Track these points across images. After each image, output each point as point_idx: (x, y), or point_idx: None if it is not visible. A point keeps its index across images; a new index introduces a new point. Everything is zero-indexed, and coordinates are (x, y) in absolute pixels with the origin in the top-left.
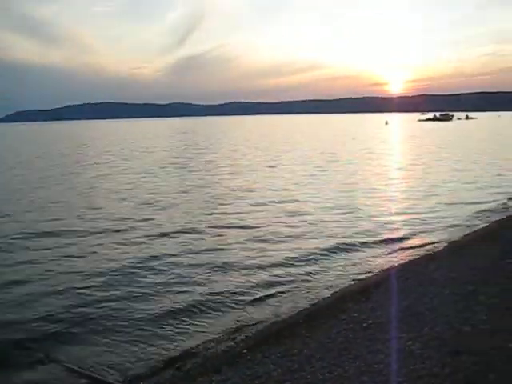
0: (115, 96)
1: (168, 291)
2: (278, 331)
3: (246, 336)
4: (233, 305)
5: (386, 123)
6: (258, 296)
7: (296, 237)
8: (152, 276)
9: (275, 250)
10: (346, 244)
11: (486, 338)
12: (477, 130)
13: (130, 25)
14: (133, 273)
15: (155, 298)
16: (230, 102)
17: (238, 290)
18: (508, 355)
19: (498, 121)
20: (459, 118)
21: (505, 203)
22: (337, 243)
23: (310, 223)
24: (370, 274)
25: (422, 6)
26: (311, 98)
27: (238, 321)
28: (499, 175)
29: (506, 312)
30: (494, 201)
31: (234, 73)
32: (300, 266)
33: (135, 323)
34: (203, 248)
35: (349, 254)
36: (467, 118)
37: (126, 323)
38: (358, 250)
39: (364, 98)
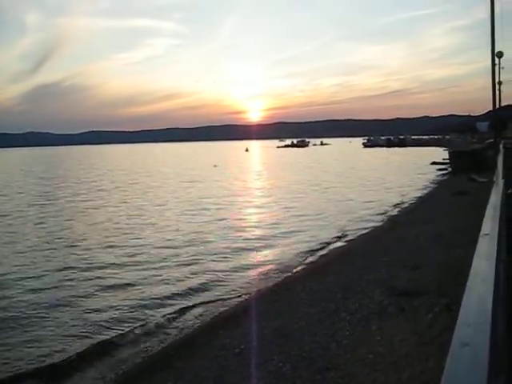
0: None
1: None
2: (150, 365)
3: (116, 374)
4: (100, 339)
5: (247, 150)
6: (126, 330)
7: (162, 267)
8: None
9: (139, 282)
10: (212, 273)
11: (349, 352)
12: (334, 155)
13: None
14: None
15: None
16: (90, 131)
17: (104, 325)
18: (370, 366)
19: (349, 146)
20: (315, 144)
21: (355, 224)
22: (203, 273)
23: (173, 253)
24: (237, 300)
25: (275, 38)
26: (173, 127)
27: (106, 358)
28: (349, 199)
29: (366, 326)
30: (346, 221)
31: (94, 101)
32: (169, 296)
33: None
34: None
35: (215, 281)
36: (322, 143)
37: None
38: (224, 277)
39: (224, 125)
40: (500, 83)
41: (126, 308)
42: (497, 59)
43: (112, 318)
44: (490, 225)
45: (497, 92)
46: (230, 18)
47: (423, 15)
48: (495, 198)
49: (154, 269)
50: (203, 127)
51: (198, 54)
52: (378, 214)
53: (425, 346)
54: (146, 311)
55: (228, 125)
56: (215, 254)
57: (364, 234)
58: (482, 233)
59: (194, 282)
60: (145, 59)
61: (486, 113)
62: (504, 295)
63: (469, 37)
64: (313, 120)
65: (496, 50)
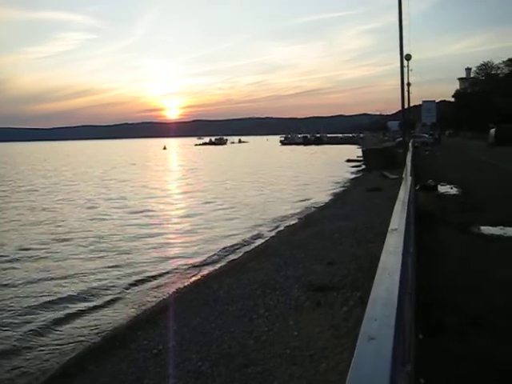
0: None
1: None
2: (65, 369)
3: (28, 379)
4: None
5: (165, 148)
6: (38, 332)
7: (78, 270)
8: None
9: (54, 285)
10: (130, 274)
11: (267, 348)
12: (251, 153)
13: None
14: None
15: None
16: None
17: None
18: (288, 361)
19: (266, 144)
20: (233, 142)
21: (277, 220)
22: (119, 270)
23: (90, 255)
24: (155, 300)
25: (192, 35)
26: (88, 124)
27: (19, 362)
28: (266, 197)
29: (284, 321)
30: (262, 219)
31: (2, 97)
32: (85, 297)
33: None
34: None
35: (131, 281)
36: (240, 141)
37: None
38: (139, 276)
39: (142, 123)
40: (409, 84)
41: (40, 308)
42: (405, 61)
43: (22, 317)
44: (397, 220)
45: (406, 93)
46: (147, 14)
47: (338, 17)
48: (404, 193)
49: (66, 268)
50: (120, 125)
51: (114, 50)
52: (295, 211)
53: (341, 339)
54: (62, 312)
55: (145, 122)
56: (131, 253)
57: (281, 231)
58: (390, 228)
59: (110, 281)
60: (57, 54)
61: (397, 112)
62: (412, 287)
63: (381, 39)
64: (231, 118)
65: (405, 53)
